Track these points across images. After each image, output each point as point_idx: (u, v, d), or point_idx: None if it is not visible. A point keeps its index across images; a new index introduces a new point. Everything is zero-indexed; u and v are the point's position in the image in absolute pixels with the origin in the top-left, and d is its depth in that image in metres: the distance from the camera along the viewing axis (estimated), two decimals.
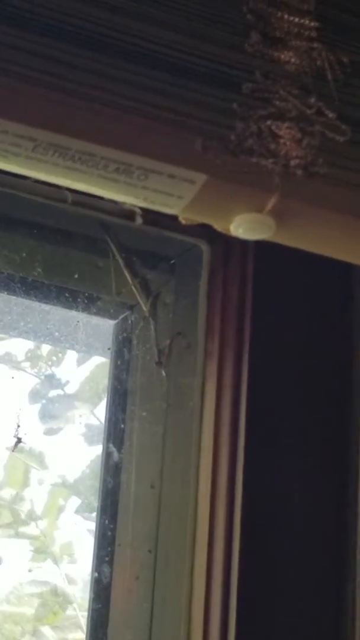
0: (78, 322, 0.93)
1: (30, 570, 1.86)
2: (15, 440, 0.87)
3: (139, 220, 0.75)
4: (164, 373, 0.91)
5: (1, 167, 0.67)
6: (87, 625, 0.88)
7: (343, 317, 0.91)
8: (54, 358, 1.85)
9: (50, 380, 1.78)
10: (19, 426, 0.88)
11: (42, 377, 1.77)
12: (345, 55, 0.73)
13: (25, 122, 0.64)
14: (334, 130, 0.71)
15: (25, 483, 1.81)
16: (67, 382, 1.81)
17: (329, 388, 0.89)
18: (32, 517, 1.84)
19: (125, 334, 0.92)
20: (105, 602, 0.87)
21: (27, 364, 1.84)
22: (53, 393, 1.77)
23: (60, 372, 1.79)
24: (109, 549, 0.88)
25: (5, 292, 0.88)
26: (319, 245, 0.75)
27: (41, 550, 1.88)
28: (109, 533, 0.88)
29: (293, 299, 0.90)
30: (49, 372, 1.79)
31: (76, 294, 0.91)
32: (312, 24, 0.73)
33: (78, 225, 0.89)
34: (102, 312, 0.92)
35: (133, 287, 0.90)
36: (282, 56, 0.71)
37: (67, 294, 0.90)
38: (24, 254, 0.88)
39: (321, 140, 0.70)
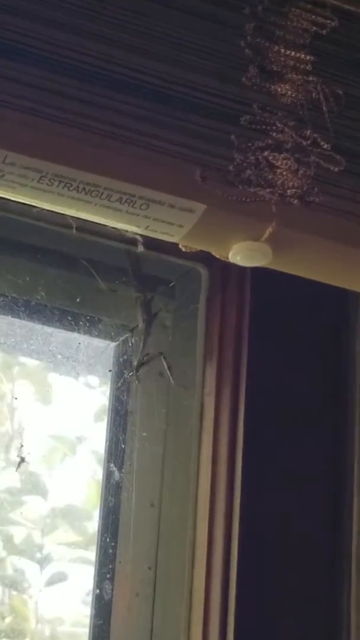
0: (79, 344, 0.95)
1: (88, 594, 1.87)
2: (19, 460, 0.89)
3: (140, 248, 0.77)
4: (163, 394, 0.93)
5: (9, 197, 0.70)
6: None
7: (338, 339, 0.93)
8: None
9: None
10: (22, 446, 0.90)
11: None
12: (339, 87, 0.76)
13: (32, 154, 0.67)
14: (329, 160, 0.73)
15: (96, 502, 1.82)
16: None
17: (326, 410, 0.91)
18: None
19: (125, 356, 0.94)
20: (106, 618, 0.89)
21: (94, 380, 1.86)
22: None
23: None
24: (110, 566, 0.90)
25: (10, 315, 0.90)
26: (315, 271, 0.77)
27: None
28: (110, 550, 0.90)
29: (289, 322, 0.92)
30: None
31: (78, 316, 0.93)
32: (308, 57, 0.75)
33: (80, 249, 0.91)
34: (103, 334, 0.94)
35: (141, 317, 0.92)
36: (279, 89, 0.74)
37: (69, 317, 0.92)
38: (28, 278, 0.90)
39: (316, 171, 0.73)
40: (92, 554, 0.92)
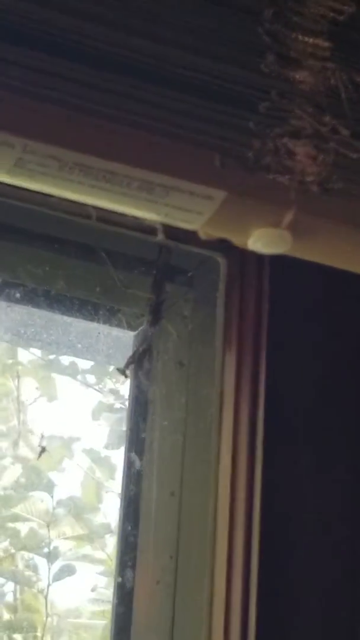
0: (99, 333, 0.95)
1: (93, 590, 1.89)
2: (40, 449, 0.89)
3: (160, 236, 0.78)
4: (183, 384, 0.94)
5: (29, 186, 0.70)
6: (111, 629, 0.91)
7: (358, 326, 0.93)
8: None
9: (115, 395, 1.81)
10: (43, 436, 0.91)
11: (106, 392, 1.80)
12: (358, 74, 0.76)
13: (52, 142, 0.67)
14: (348, 147, 0.73)
15: (100, 496, 1.83)
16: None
17: (346, 399, 0.91)
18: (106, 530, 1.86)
19: (145, 346, 0.94)
20: (128, 606, 0.90)
21: (92, 378, 1.88)
22: (117, 407, 1.81)
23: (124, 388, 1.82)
24: (132, 554, 0.90)
25: (30, 305, 0.91)
26: (334, 258, 0.77)
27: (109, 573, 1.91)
28: (132, 539, 0.90)
29: (309, 310, 0.92)
30: (112, 387, 1.83)
31: (97, 306, 0.93)
32: (326, 44, 0.75)
33: (99, 239, 0.91)
34: (123, 324, 0.95)
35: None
36: (297, 76, 0.74)
37: (89, 307, 0.93)
38: (47, 268, 0.91)
39: (335, 157, 0.73)
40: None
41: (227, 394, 0.91)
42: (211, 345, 0.95)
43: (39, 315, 0.94)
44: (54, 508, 1.86)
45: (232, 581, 0.86)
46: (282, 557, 0.85)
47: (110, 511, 1.90)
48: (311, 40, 0.75)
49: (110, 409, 1.84)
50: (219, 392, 0.92)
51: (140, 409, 0.94)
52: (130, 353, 0.97)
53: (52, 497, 1.85)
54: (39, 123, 0.66)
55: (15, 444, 1.86)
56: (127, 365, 0.93)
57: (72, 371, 1.89)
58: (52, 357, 1.88)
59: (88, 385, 1.87)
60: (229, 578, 0.87)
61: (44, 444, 0.93)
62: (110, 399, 1.85)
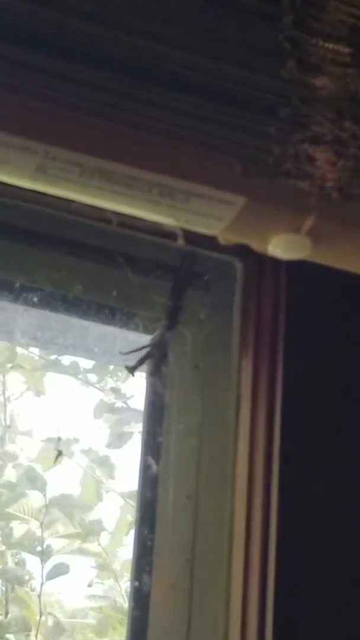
0: (116, 337, 0.95)
1: (90, 585, 1.89)
2: (56, 452, 0.90)
3: (180, 242, 0.78)
4: (199, 387, 0.94)
5: (50, 191, 0.70)
6: (127, 633, 0.91)
7: None
8: (120, 374, 1.89)
9: (116, 394, 1.81)
10: (59, 439, 0.91)
11: (107, 391, 1.80)
12: None
13: (73, 149, 0.67)
14: None
15: (97, 495, 1.84)
16: (132, 396, 1.84)
17: None
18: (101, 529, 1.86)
19: (162, 350, 0.94)
20: (144, 610, 0.90)
21: (93, 377, 1.88)
22: (118, 406, 1.81)
23: (125, 386, 1.82)
24: (149, 558, 0.90)
25: (47, 309, 0.91)
26: (353, 263, 0.77)
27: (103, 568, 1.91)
28: (149, 543, 0.91)
29: (326, 314, 0.92)
30: (114, 386, 1.83)
31: (114, 310, 0.93)
32: (346, 50, 0.76)
33: (117, 243, 0.91)
34: (139, 328, 0.95)
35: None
36: (318, 82, 0.74)
37: (106, 311, 0.93)
38: (65, 272, 0.91)
39: (355, 163, 0.73)
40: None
41: (244, 398, 0.92)
42: (227, 349, 0.95)
43: (56, 319, 0.94)
44: (46, 507, 1.86)
45: (249, 584, 0.86)
46: (299, 560, 0.85)
47: (108, 510, 1.91)
48: (331, 46, 0.75)
49: (111, 408, 1.84)
50: (236, 396, 0.92)
51: (156, 412, 0.94)
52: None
53: (44, 495, 1.86)
54: (60, 129, 0.67)
55: (1, 440, 1.87)
56: (137, 365, 0.93)
57: (73, 370, 1.89)
58: (52, 357, 1.89)
59: (89, 384, 1.87)
60: (245, 581, 0.87)
61: (60, 447, 0.93)
62: (111, 398, 1.85)
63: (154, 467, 0.92)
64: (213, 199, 0.70)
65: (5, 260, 0.91)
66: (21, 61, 0.66)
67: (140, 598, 0.90)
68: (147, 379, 0.96)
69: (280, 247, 0.73)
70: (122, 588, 1.96)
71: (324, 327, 0.92)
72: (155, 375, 0.95)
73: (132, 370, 0.93)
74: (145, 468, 0.92)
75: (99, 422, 1.80)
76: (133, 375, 0.93)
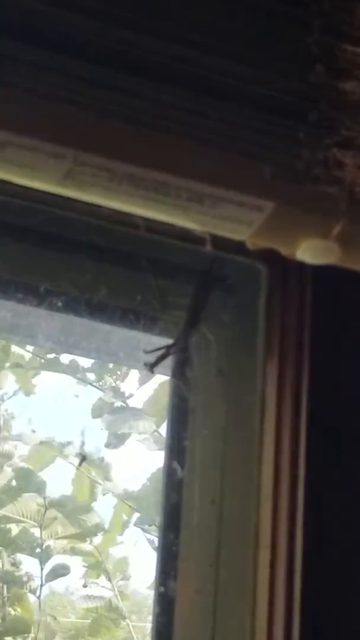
0: (139, 341, 0.95)
1: (85, 586, 1.89)
2: (80, 457, 0.89)
3: (209, 247, 0.77)
4: (224, 392, 0.93)
5: (78, 197, 0.70)
6: (152, 638, 0.91)
7: None
8: (119, 372, 1.89)
9: (115, 393, 1.81)
10: (83, 443, 0.91)
11: (106, 390, 1.80)
12: None
13: (102, 154, 0.67)
14: None
15: (93, 496, 1.84)
16: (131, 395, 1.84)
17: None
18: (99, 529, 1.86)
19: (186, 354, 0.94)
20: (169, 616, 0.90)
21: (92, 376, 1.88)
22: (116, 405, 1.81)
23: (124, 386, 1.82)
24: (174, 563, 0.90)
25: (72, 314, 0.91)
26: None
27: (96, 567, 1.91)
28: (174, 548, 0.90)
29: (352, 319, 0.91)
30: (113, 385, 1.83)
31: (138, 314, 0.93)
32: None
33: (142, 247, 0.91)
34: (164, 332, 0.95)
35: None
36: (347, 86, 0.73)
37: (130, 315, 0.93)
38: (89, 277, 0.91)
39: None
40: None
41: (269, 403, 0.91)
42: (251, 353, 0.94)
43: (80, 324, 0.94)
44: (46, 508, 1.87)
45: (275, 589, 0.86)
46: (327, 565, 0.85)
47: (103, 510, 1.91)
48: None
49: (110, 407, 1.84)
50: (261, 401, 0.92)
51: (181, 416, 0.94)
52: (170, 361, 0.97)
53: (43, 498, 1.86)
54: (90, 135, 0.66)
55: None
56: (157, 362, 0.93)
57: (71, 370, 1.89)
58: (51, 355, 1.89)
59: (87, 382, 1.87)
60: (272, 586, 0.86)
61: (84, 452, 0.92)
62: (110, 397, 1.84)
63: (179, 472, 0.92)
64: (242, 204, 0.70)
65: (29, 264, 0.91)
66: (51, 67, 0.66)
67: (166, 604, 0.90)
68: (170, 382, 0.95)
69: (309, 252, 0.72)
70: (115, 588, 1.97)
71: (350, 332, 0.91)
72: (180, 378, 0.95)
73: (151, 367, 0.92)
74: (169, 473, 0.92)
75: (97, 422, 1.80)
76: (153, 373, 0.93)
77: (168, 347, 0.93)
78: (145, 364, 0.93)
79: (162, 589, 0.89)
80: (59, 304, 0.90)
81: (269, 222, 0.71)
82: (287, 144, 0.70)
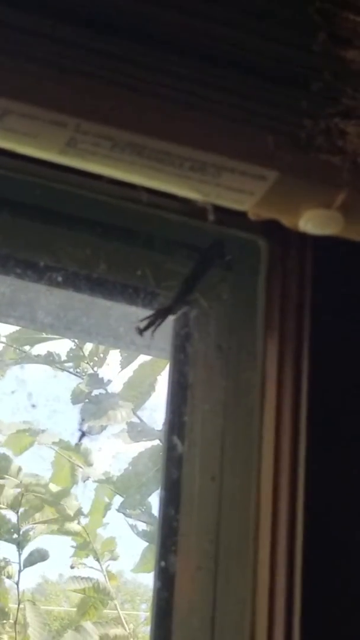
0: (139, 317, 0.94)
1: (72, 567, 1.89)
2: (79, 433, 0.89)
3: (211, 218, 0.77)
4: (223, 367, 0.93)
5: (80, 166, 0.69)
6: (152, 613, 0.90)
7: None
8: (96, 358, 1.88)
9: (94, 380, 1.80)
10: (83, 420, 0.90)
11: (85, 377, 1.79)
12: None
13: (104, 122, 0.66)
14: None
15: (73, 481, 1.83)
16: (110, 381, 1.84)
17: None
18: (78, 514, 1.86)
19: (186, 329, 0.94)
20: (170, 591, 0.89)
21: (69, 364, 1.87)
22: (95, 392, 1.80)
23: (102, 371, 1.82)
24: (175, 539, 0.90)
25: (71, 289, 0.90)
26: None
27: (83, 547, 1.91)
28: (175, 524, 0.90)
29: (353, 293, 0.91)
30: (91, 371, 1.82)
31: (138, 290, 0.93)
32: None
33: (139, 223, 0.91)
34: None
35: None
36: (349, 55, 0.73)
37: (130, 290, 0.92)
38: (88, 252, 0.90)
39: None
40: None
41: (269, 378, 0.91)
42: (251, 329, 0.94)
43: (79, 300, 0.93)
44: (22, 494, 1.86)
45: (276, 565, 0.86)
46: (327, 541, 0.85)
47: (84, 496, 1.91)
48: None
49: (89, 395, 1.83)
50: (261, 376, 0.91)
51: (181, 392, 0.93)
52: (169, 337, 0.96)
53: (20, 481, 1.85)
54: (91, 103, 0.66)
55: None
56: (147, 326, 0.92)
57: (49, 360, 1.89)
58: (27, 347, 1.89)
59: (64, 369, 1.87)
60: (272, 562, 0.86)
61: (85, 428, 0.92)
62: (89, 385, 1.84)
63: (180, 447, 0.91)
64: (245, 173, 0.69)
65: (28, 239, 0.91)
66: (53, 34, 0.65)
67: (167, 579, 0.89)
68: (170, 357, 0.95)
69: (312, 222, 0.72)
70: (103, 568, 1.97)
71: (351, 307, 0.91)
72: (180, 355, 0.94)
73: (141, 332, 0.92)
74: (170, 448, 0.92)
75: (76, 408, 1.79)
76: (142, 336, 0.92)
77: (157, 312, 0.93)
78: (137, 329, 0.92)
79: (162, 563, 0.89)
80: (59, 279, 0.90)
81: (271, 192, 0.70)
82: (290, 113, 0.70)
